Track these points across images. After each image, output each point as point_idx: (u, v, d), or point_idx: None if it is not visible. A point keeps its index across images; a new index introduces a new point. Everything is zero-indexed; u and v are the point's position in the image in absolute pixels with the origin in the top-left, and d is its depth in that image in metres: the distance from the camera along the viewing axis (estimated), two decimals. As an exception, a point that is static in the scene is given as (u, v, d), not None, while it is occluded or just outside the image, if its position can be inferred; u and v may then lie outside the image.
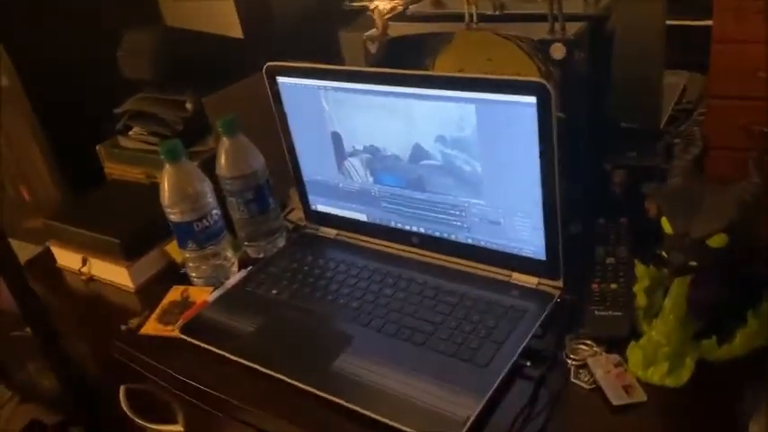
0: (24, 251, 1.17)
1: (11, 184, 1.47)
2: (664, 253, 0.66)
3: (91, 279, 1.01)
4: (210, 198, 0.89)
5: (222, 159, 0.91)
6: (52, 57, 1.11)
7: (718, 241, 0.62)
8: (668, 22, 0.98)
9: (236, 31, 1.21)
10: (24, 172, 1.39)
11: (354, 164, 0.90)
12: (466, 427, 0.64)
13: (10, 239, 1.52)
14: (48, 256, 1.07)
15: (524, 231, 0.80)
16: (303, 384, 0.72)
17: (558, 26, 0.80)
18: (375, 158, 0.87)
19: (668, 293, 0.70)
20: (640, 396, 0.66)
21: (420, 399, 0.68)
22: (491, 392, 0.67)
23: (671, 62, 1.01)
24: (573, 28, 0.79)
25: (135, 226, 0.97)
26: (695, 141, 0.71)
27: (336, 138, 0.90)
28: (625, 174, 0.87)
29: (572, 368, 0.70)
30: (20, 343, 1.72)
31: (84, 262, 1.00)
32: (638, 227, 0.83)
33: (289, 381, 0.73)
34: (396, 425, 0.65)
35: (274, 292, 0.88)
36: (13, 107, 1.19)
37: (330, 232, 0.99)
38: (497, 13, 0.89)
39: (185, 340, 0.83)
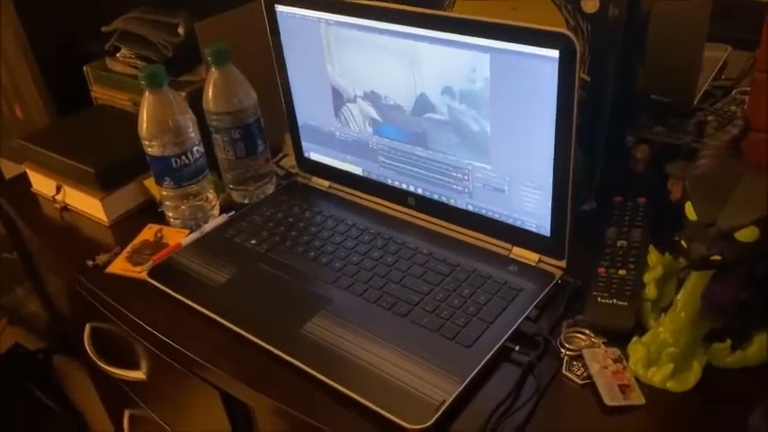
0: (15, 171, 1.11)
1: (5, 100, 1.41)
2: (683, 242, 0.58)
3: (65, 208, 0.94)
4: (193, 133, 0.82)
5: (210, 92, 0.83)
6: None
7: (747, 235, 0.54)
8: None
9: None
10: (18, 89, 1.32)
11: (353, 111, 0.82)
12: (439, 413, 0.57)
13: (1, 158, 1.47)
14: (26, 179, 1.01)
15: (530, 203, 0.72)
16: (269, 345, 0.66)
17: (594, -25, 0.71)
18: (375, 107, 0.79)
19: (682, 287, 0.63)
20: (638, 398, 0.59)
21: (393, 375, 0.61)
22: (471, 376, 0.61)
23: (713, 34, 0.91)
24: (611, -21, 0.70)
25: (113, 156, 0.90)
26: (735, 120, 0.62)
27: (335, 80, 0.81)
28: (649, 149, 0.79)
29: (565, 358, 0.63)
30: (9, 265, 1.69)
31: (59, 190, 0.93)
32: (657, 209, 0.75)
33: (253, 339, 0.67)
34: (362, 400, 0.59)
35: (253, 242, 0.81)
36: (3, 21, 1.11)
37: (322, 183, 0.92)
38: (528, -44, 0.79)
39: (152, 284, 0.77)
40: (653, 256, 0.69)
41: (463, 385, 0.60)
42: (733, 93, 0.95)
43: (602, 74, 0.74)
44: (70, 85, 1.08)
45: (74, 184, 0.91)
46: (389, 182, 0.84)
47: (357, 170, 0.87)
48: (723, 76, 1.03)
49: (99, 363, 0.89)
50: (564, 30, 0.61)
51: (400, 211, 0.84)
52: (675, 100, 0.88)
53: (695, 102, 0.94)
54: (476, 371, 0.61)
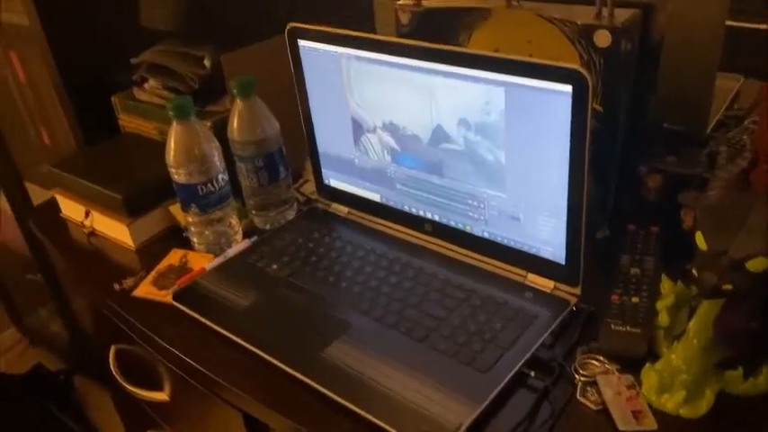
0: (43, 196, 1.15)
1: (32, 125, 1.45)
2: (695, 271, 0.60)
3: (93, 233, 0.97)
4: (218, 161, 0.85)
5: (234, 122, 0.87)
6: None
7: (757, 265, 0.56)
8: (728, 23, 0.91)
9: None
10: (46, 115, 1.37)
11: (372, 140, 0.85)
12: (456, 437, 0.59)
13: (28, 183, 1.52)
14: (55, 204, 1.04)
15: (545, 231, 0.74)
16: (290, 368, 0.68)
17: (605, 11, 0.73)
18: (394, 137, 0.82)
19: (694, 315, 0.64)
20: (650, 424, 0.60)
21: (411, 399, 0.63)
22: (488, 401, 0.62)
23: (726, 64, 0.93)
24: (622, 15, 0.73)
25: (140, 183, 0.93)
26: (744, 152, 0.64)
27: (355, 111, 0.84)
28: (661, 179, 0.81)
29: (579, 384, 0.65)
30: (33, 287, 1.73)
31: (87, 215, 0.96)
32: (669, 238, 0.77)
33: (275, 363, 0.69)
34: (382, 424, 0.61)
35: (275, 267, 0.84)
36: (34, 48, 1.16)
37: (341, 209, 0.94)
38: (542, -8, 0.82)
39: (177, 307, 0.79)
40: (665, 285, 0.70)
41: (480, 410, 0.61)
42: (745, 123, 0.96)
43: (615, 105, 0.76)
44: (98, 114, 1.12)
45: (101, 209, 0.94)
46: (407, 208, 0.86)
47: (375, 197, 0.89)
48: (736, 106, 1.04)
49: (124, 384, 0.91)
50: (577, 66, 0.63)
51: (417, 237, 0.86)
52: (688, 129, 0.90)
53: (708, 131, 0.95)
54: (492, 396, 0.63)
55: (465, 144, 0.75)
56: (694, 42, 0.87)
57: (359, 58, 0.80)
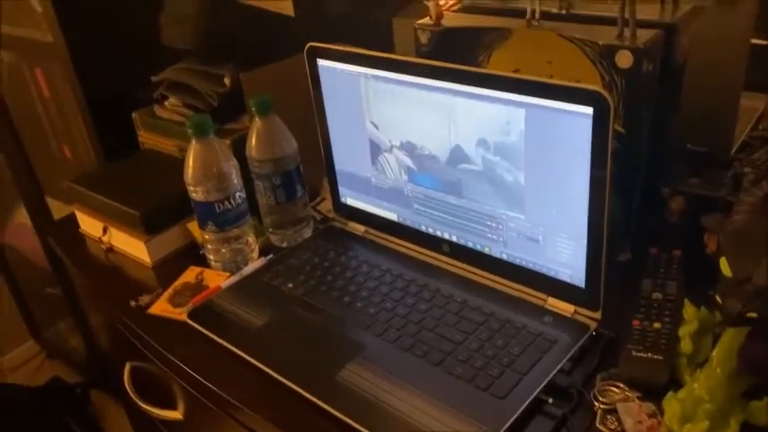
0: (63, 211, 1.16)
1: (55, 140, 1.47)
2: (718, 297, 0.58)
3: (111, 249, 0.98)
4: (236, 179, 0.85)
5: (253, 140, 0.87)
6: (97, 16, 1.08)
7: (784, 293, 0.54)
8: (753, 41, 0.89)
9: (289, 9, 1.16)
10: (68, 130, 1.39)
11: (389, 159, 0.84)
12: (472, 465, 0.58)
13: (49, 197, 1.54)
14: (74, 220, 1.05)
15: (565, 254, 0.72)
16: (303, 390, 0.67)
17: (627, 32, 0.72)
18: (411, 156, 0.81)
19: (718, 343, 0.62)
20: (673, 455, 0.58)
21: (426, 424, 0.62)
22: (505, 428, 0.61)
23: (750, 84, 0.91)
24: (645, 35, 0.72)
25: (158, 200, 0.94)
26: (770, 176, 0.62)
27: (373, 130, 0.84)
28: (684, 201, 0.79)
29: (599, 412, 0.63)
30: (52, 300, 1.74)
31: (105, 231, 0.97)
32: (693, 262, 0.75)
33: (289, 384, 0.68)
34: (396, 450, 0.60)
35: (290, 285, 0.83)
36: (58, 65, 1.17)
37: (358, 228, 0.94)
38: (563, 12, 0.81)
39: (191, 326, 0.79)
40: (688, 310, 0.68)
41: (496, 437, 0.60)
42: (770, 144, 0.94)
43: (637, 126, 0.75)
44: (118, 130, 1.13)
45: (119, 226, 0.94)
46: (424, 228, 0.86)
47: (392, 216, 0.89)
48: (761, 126, 1.02)
49: (138, 402, 0.91)
50: (597, 88, 0.62)
51: (435, 258, 0.85)
52: (712, 150, 0.88)
53: (732, 152, 0.94)
54: (509, 423, 0.61)
55: (484, 164, 0.74)
56: (718, 62, 0.86)
57: (377, 78, 0.79)
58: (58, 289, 1.68)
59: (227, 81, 0.96)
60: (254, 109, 0.85)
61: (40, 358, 1.94)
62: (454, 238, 0.83)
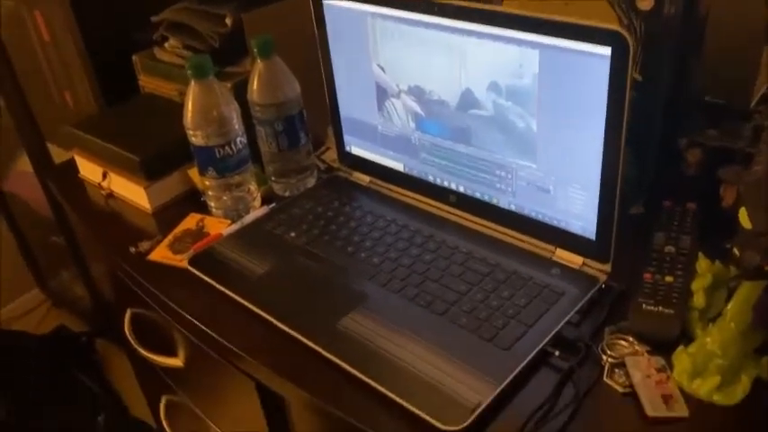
0: (64, 157, 1.13)
1: (56, 87, 1.44)
2: (736, 250, 0.56)
3: (111, 195, 0.96)
4: (237, 124, 0.82)
5: (254, 83, 0.84)
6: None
7: (806, 246, 0.52)
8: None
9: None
10: (69, 76, 1.35)
11: (396, 105, 0.81)
12: (474, 415, 0.56)
13: (50, 144, 1.51)
14: (74, 166, 1.03)
15: (576, 205, 0.70)
16: (304, 338, 0.66)
17: (649, -29, 0.68)
18: (419, 102, 0.78)
19: (733, 297, 0.60)
20: (681, 410, 0.57)
21: (428, 374, 0.60)
22: (508, 380, 0.59)
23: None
24: (668, -25, 0.68)
25: (158, 145, 0.91)
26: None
27: (380, 73, 0.81)
28: (701, 153, 0.76)
29: (607, 365, 0.62)
30: (57, 250, 1.74)
31: (105, 176, 0.95)
32: (708, 216, 0.73)
33: (290, 332, 0.67)
34: (396, 398, 0.58)
35: (293, 234, 0.81)
36: (57, 7, 1.14)
37: (363, 178, 0.91)
38: (581, -49, 0.77)
39: (192, 272, 0.77)
40: (702, 264, 0.66)
41: (500, 389, 0.58)
42: (793, 97, 0.91)
43: (656, 74, 0.72)
44: (119, 74, 1.10)
45: (119, 171, 0.92)
46: (431, 179, 0.83)
47: (398, 166, 0.86)
48: (783, 79, 0.99)
49: (138, 348, 0.90)
50: (617, 27, 0.59)
51: (441, 209, 0.83)
52: (731, 102, 0.85)
53: (752, 105, 0.90)
54: (513, 374, 0.60)
55: (495, 110, 0.72)
56: (741, 11, 0.82)
57: (385, 17, 0.76)
58: (62, 238, 1.67)
59: (228, 21, 0.92)
60: (255, 50, 0.81)
61: (45, 307, 1.95)
62: (461, 189, 0.80)
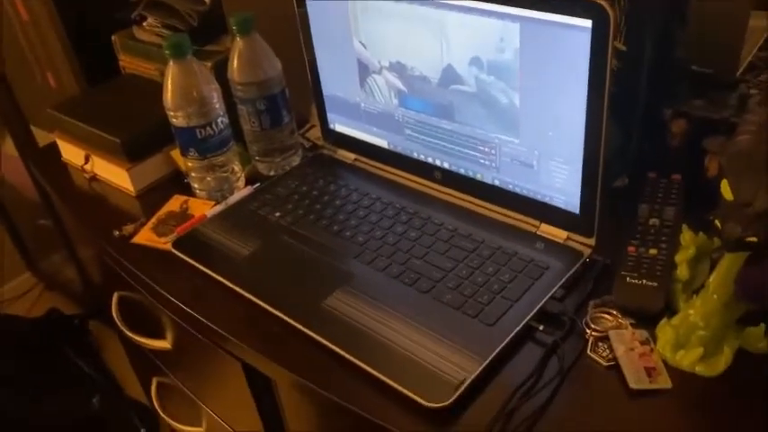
0: (48, 140, 1.12)
1: (38, 67, 1.42)
2: (718, 222, 0.56)
3: (94, 178, 0.95)
4: (218, 104, 0.81)
5: (234, 62, 0.82)
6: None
7: (787, 217, 0.51)
8: (764, -44, 0.84)
9: None
10: (51, 58, 1.33)
11: (378, 82, 0.80)
12: (459, 391, 0.56)
13: (34, 127, 1.50)
14: (56, 148, 1.01)
15: (559, 179, 0.70)
16: (290, 318, 0.66)
17: (632, -62, 0.67)
18: (401, 78, 0.77)
19: (715, 269, 0.60)
20: (665, 382, 0.57)
21: (414, 352, 0.60)
22: (493, 356, 0.59)
23: (760, 1, 0.86)
24: (650, -58, 0.67)
25: (140, 126, 0.90)
26: (779, 93, 0.59)
27: (362, 50, 0.79)
28: (686, 124, 0.76)
29: (591, 339, 0.62)
30: (45, 232, 1.73)
31: (87, 159, 0.94)
32: (693, 187, 0.72)
33: (275, 312, 0.67)
34: (381, 377, 0.59)
35: (277, 214, 0.81)
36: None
37: (348, 156, 0.90)
38: None
39: (176, 255, 0.77)
40: (686, 236, 0.66)
41: (484, 364, 0.59)
42: (779, 64, 0.90)
43: (640, 44, 0.71)
44: (101, 54, 1.08)
45: (101, 154, 0.91)
46: (415, 155, 0.83)
47: (383, 143, 0.86)
48: (769, 47, 0.98)
49: (126, 331, 0.90)
50: (597, -2, 0.58)
51: (426, 186, 0.83)
52: (717, 71, 0.84)
53: (738, 74, 0.90)
54: (498, 350, 0.60)
55: (477, 85, 0.71)
56: (727, -22, 0.81)
57: (364, -7, 0.75)
58: (50, 221, 1.66)
59: (207, -1, 0.91)
60: (234, 28, 0.80)
61: (37, 290, 1.95)
62: (446, 165, 0.80)
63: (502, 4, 0.64)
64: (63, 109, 0.97)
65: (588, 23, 0.59)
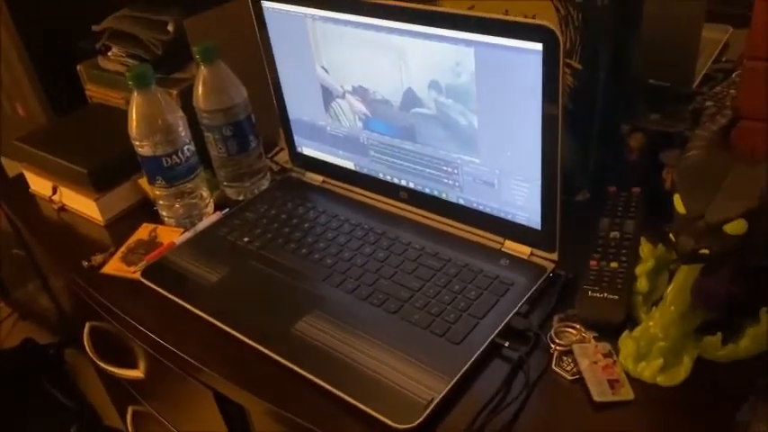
0: (17, 170, 1.12)
1: (7, 100, 1.41)
2: (672, 235, 0.57)
3: (62, 208, 0.95)
4: (183, 132, 0.81)
5: (200, 90, 0.83)
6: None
7: (736, 228, 0.53)
8: (714, -31, 0.86)
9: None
10: (19, 87, 1.33)
11: (342, 106, 0.81)
12: (427, 412, 0.57)
13: (3, 157, 1.48)
14: (24, 180, 1.01)
15: (520, 196, 0.71)
16: (260, 345, 0.66)
17: (581, -38, 0.69)
18: (364, 102, 0.79)
19: (672, 280, 0.62)
20: (627, 394, 0.58)
21: (382, 373, 0.61)
22: (460, 374, 0.60)
23: (713, 14, 0.89)
24: (599, -35, 0.69)
25: (106, 156, 0.90)
26: (723, 110, 0.61)
27: (324, 75, 0.81)
28: (643, 138, 0.78)
29: (555, 354, 0.63)
30: (19, 261, 1.71)
31: (55, 190, 0.94)
32: (652, 199, 0.74)
33: (245, 340, 0.67)
34: (351, 400, 0.59)
35: (246, 239, 0.81)
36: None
37: (316, 178, 0.91)
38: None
39: (145, 284, 0.77)
40: (644, 248, 0.68)
41: (452, 383, 0.59)
42: (733, 76, 0.93)
43: (595, 62, 0.73)
44: (67, 84, 1.08)
45: (69, 184, 0.91)
46: (381, 176, 0.84)
47: (349, 165, 0.87)
48: (724, 59, 1.00)
49: (98, 362, 0.89)
50: (545, 22, 0.59)
51: (393, 206, 0.84)
52: (673, 84, 0.87)
53: (694, 86, 0.92)
54: (464, 368, 0.61)
55: (437, 108, 0.72)
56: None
57: (324, 19, 0.76)
58: (22, 250, 1.64)
59: (170, 28, 0.91)
60: (198, 56, 0.81)
61: (11, 320, 1.92)
62: (411, 185, 0.81)
63: (456, 29, 0.65)
64: (29, 140, 0.96)
65: (539, 47, 0.60)
